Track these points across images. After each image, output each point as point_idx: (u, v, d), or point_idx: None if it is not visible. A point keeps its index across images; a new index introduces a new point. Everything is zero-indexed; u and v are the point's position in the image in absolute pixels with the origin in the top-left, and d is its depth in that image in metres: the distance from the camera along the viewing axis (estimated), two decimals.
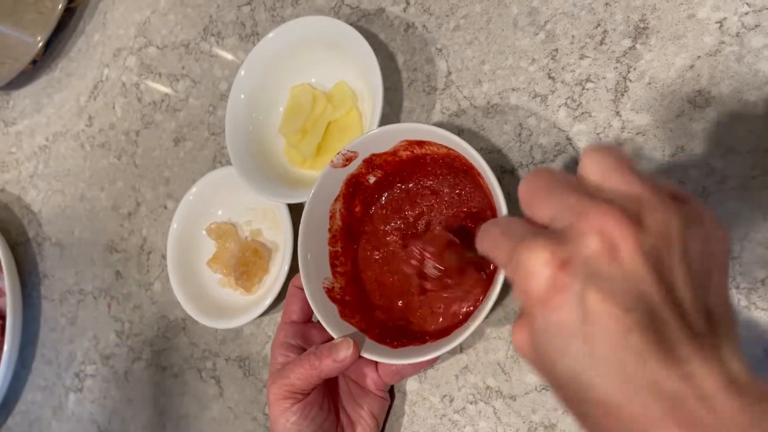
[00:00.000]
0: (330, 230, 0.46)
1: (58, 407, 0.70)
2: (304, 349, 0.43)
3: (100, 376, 0.67)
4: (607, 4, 0.43)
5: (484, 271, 0.41)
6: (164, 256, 0.62)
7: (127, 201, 0.68)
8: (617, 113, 0.42)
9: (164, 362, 0.62)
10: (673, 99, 0.40)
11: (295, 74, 0.55)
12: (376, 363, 0.44)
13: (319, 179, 0.43)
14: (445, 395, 0.45)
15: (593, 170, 0.25)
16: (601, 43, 0.43)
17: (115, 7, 0.75)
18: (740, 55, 0.38)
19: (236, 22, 0.63)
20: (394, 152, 0.44)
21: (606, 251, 0.22)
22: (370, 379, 0.45)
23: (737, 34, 0.38)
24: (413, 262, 0.42)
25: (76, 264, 0.71)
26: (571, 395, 0.23)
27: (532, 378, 0.42)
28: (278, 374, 0.42)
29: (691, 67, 0.39)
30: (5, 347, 0.68)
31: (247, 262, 0.55)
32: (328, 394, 0.44)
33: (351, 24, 0.49)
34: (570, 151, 0.43)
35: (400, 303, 0.45)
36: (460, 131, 0.48)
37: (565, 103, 0.44)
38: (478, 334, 0.45)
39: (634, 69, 0.41)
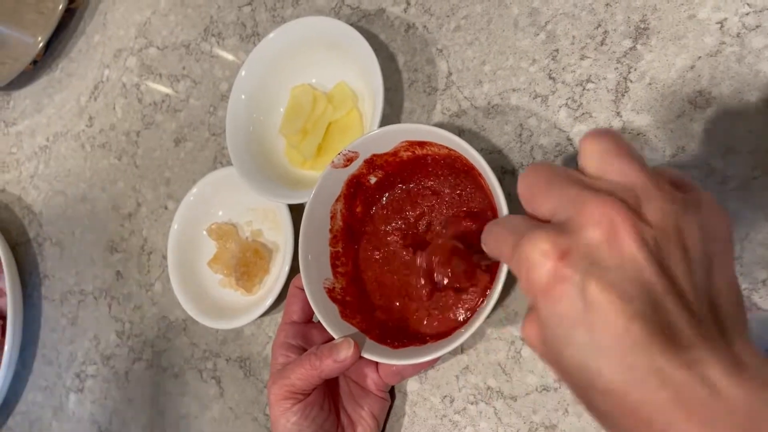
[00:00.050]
0: (331, 231, 0.46)
1: (58, 407, 0.70)
2: (305, 350, 0.43)
3: (100, 376, 0.67)
4: (607, 4, 0.43)
5: (491, 270, 0.41)
6: (165, 257, 0.62)
7: (127, 201, 0.68)
8: (618, 114, 0.42)
9: (165, 362, 0.62)
10: (673, 99, 0.40)
11: (295, 75, 0.55)
12: (377, 363, 0.44)
13: (319, 180, 0.43)
14: (445, 396, 0.45)
15: (592, 158, 0.25)
16: (602, 43, 0.43)
17: (115, 8, 0.75)
18: (741, 56, 0.38)
19: (237, 22, 0.63)
20: (395, 153, 0.44)
21: (605, 241, 0.22)
22: (371, 379, 0.45)
23: (738, 35, 0.38)
24: (423, 274, 0.43)
25: (76, 264, 0.71)
26: (578, 384, 0.24)
27: (532, 379, 0.42)
28: (279, 374, 0.42)
29: (692, 67, 0.39)
30: (6, 347, 0.68)
31: (247, 262, 0.55)
32: (329, 394, 0.44)
33: (351, 24, 0.49)
34: (571, 152, 0.43)
35: (398, 303, 0.45)
36: (460, 132, 0.48)
37: (566, 104, 0.44)
38: (479, 334, 0.45)
39: (635, 69, 0.41)
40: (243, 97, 0.54)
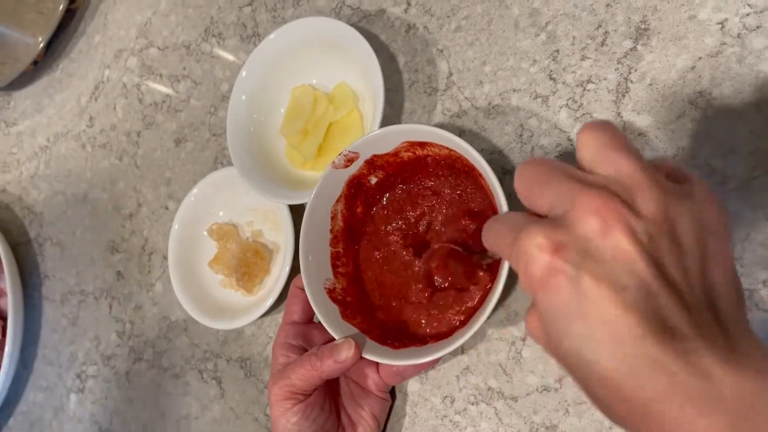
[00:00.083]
0: (331, 231, 0.46)
1: (59, 408, 0.70)
2: (306, 350, 0.43)
3: (101, 376, 0.67)
4: (608, 5, 0.43)
5: (492, 270, 0.41)
6: (165, 257, 0.62)
7: (128, 202, 0.68)
8: (618, 114, 0.42)
9: (165, 363, 0.62)
10: (674, 100, 0.40)
11: (296, 75, 0.55)
12: (377, 364, 0.44)
13: (320, 180, 0.44)
14: (446, 396, 0.45)
15: (588, 151, 0.26)
16: (602, 44, 0.43)
17: (116, 8, 0.75)
18: (741, 56, 0.38)
19: (237, 23, 0.63)
20: (395, 153, 0.44)
21: (599, 235, 0.23)
22: (371, 380, 0.45)
23: (738, 35, 0.38)
24: (422, 278, 0.43)
25: (77, 264, 0.71)
26: (577, 373, 0.24)
27: (533, 379, 0.42)
28: (279, 375, 0.42)
29: (693, 68, 0.39)
30: (6, 348, 0.68)
31: (248, 262, 0.55)
32: (329, 394, 0.44)
33: (352, 25, 0.49)
34: (571, 152, 0.43)
35: (398, 304, 0.45)
36: (461, 132, 0.48)
37: (566, 104, 0.44)
38: (480, 335, 0.45)
39: (636, 70, 0.41)
40: (244, 97, 0.54)
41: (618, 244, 0.23)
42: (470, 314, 0.41)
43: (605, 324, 0.22)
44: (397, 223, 0.46)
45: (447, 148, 0.41)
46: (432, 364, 0.46)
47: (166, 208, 0.65)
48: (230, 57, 0.63)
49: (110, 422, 0.65)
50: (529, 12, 0.46)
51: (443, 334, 0.41)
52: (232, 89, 0.54)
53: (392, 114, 0.52)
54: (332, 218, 0.45)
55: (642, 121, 0.41)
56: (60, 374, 0.70)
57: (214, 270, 0.57)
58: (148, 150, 0.68)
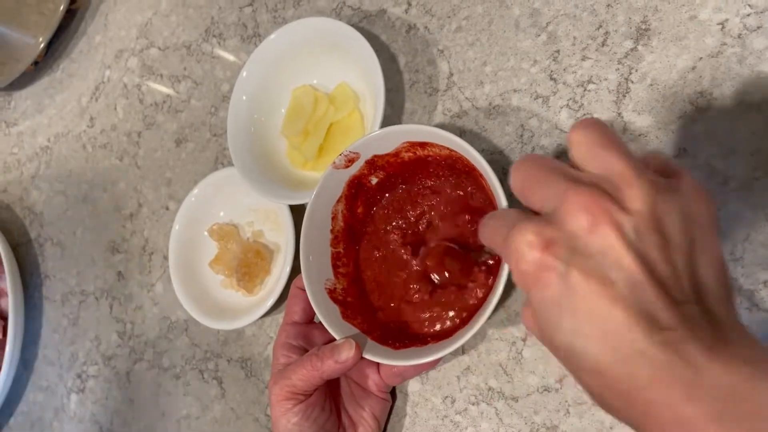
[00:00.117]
0: (332, 231, 0.46)
1: (60, 408, 0.70)
2: (306, 350, 0.43)
3: (101, 376, 0.67)
4: (608, 5, 0.43)
5: (488, 265, 0.41)
6: (166, 257, 0.62)
7: (128, 202, 0.68)
8: (619, 114, 0.42)
9: (166, 363, 0.62)
10: (674, 100, 0.40)
11: (296, 76, 0.55)
12: (378, 364, 0.44)
13: (321, 180, 0.44)
14: (446, 396, 0.45)
15: (579, 150, 0.26)
16: (603, 44, 0.43)
17: (116, 9, 0.75)
18: (742, 57, 0.38)
19: (238, 23, 0.63)
20: (396, 154, 0.44)
21: (587, 231, 0.24)
22: (372, 380, 0.45)
23: (739, 36, 0.38)
24: (420, 277, 0.44)
25: (77, 265, 0.71)
26: (570, 364, 0.25)
27: (534, 379, 0.42)
28: (280, 375, 0.42)
29: (693, 68, 0.39)
30: (7, 348, 0.68)
31: (249, 263, 0.55)
32: (330, 395, 0.44)
33: (352, 25, 0.49)
34: None
35: (398, 304, 0.45)
36: (461, 132, 0.48)
37: (567, 105, 0.44)
38: (480, 335, 0.45)
39: (636, 70, 0.41)
40: (244, 98, 0.54)
41: (606, 239, 0.23)
42: (471, 314, 0.41)
43: (594, 318, 0.23)
44: (397, 223, 0.46)
45: (448, 149, 0.41)
46: (433, 365, 0.46)
47: (167, 209, 0.65)
48: (231, 57, 0.63)
49: (111, 422, 0.65)
50: (529, 12, 0.46)
51: (444, 335, 0.41)
52: (233, 89, 0.54)
53: (393, 114, 0.52)
54: (333, 218, 0.45)
55: (643, 121, 0.41)
56: (61, 374, 0.70)
57: (214, 270, 0.57)
58: (148, 150, 0.68)
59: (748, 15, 0.38)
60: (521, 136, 0.45)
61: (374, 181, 0.46)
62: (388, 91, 0.48)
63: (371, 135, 0.43)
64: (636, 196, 0.24)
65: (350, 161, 0.44)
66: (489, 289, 0.41)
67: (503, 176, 0.46)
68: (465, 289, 0.42)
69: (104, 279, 0.69)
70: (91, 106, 0.74)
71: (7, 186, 0.81)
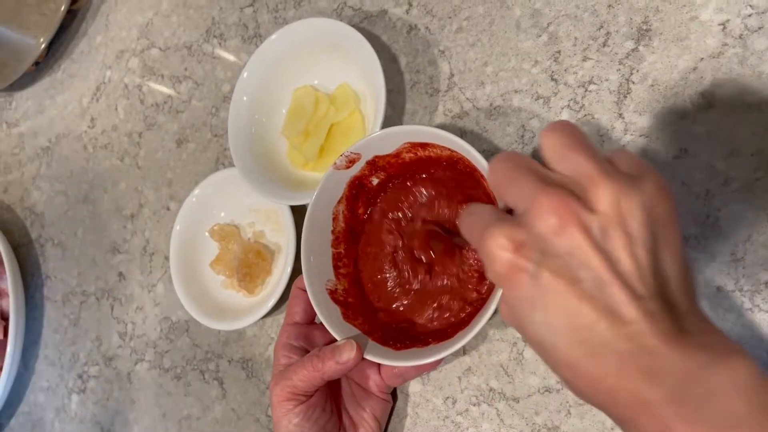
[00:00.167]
0: (333, 232, 0.46)
1: (61, 408, 0.70)
2: (307, 351, 0.43)
3: (102, 377, 0.67)
4: (609, 6, 0.43)
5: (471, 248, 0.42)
6: (167, 258, 0.62)
7: (129, 202, 0.68)
8: (620, 115, 0.42)
9: (167, 364, 0.62)
10: (676, 101, 0.40)
11: (297, 76, 0.55)
12: (379, 365, 0.44)
13: (321, 181, 0.44)
14: (447, 397, 0.45)
15: (549, 152, 0.28)
16: (604, 45, 0.43)
17: (117, 9, 0.75)
18: (743, 57, 0.38)
19: (239, 23, 0.63)
20: (397, 154, 0.44)
21: (555, 233, 0.25)
22: (373, 381, 0.45)
23: (740, 36, 0.38)
24: (411, 261, 0.44)
25: (78, 265, 0.71)
26: (543, 355, 0.28)
27: (535, 380, 0.42)
28: (281, 376, 0.42)
29: (694, 69, 0.39)
30: (8, 348, 0.68)
31: (249, 263, 0.55)
32: (331, 395, 0.44)
33: (353, 26, 0.49)
34: None
35: (396, 297, 0.45)
36: (462, 133, 0.48)
37: (568, 105, 0.44)
38: (481, 336, 0.45)
39: (637, 71, 0.41)
40: (245, 98, 0.54)
41: (573, 241, 0.25)
42: (472, 316, 0.41)
43: (563, 314, 0.25)
44: (394, 215, 0.46)
45: (449, 149, 0.41)
46: (434, 366, 0.46)
47: (168, 209, 0.65)
48: (232, 58, 0.63)
49: (112, 423, 0.65)
50: (530, 13, 0.46)
51: (445, 336, 0.41)
52: (234, 90, 0.54)
53: (394, 115, 0.52)
54: (334, 219, 0.45)
55: (644, 122, 0.41)
56: (61, 375, 0.70)
57: (215, 271, 0.57)
58: (149, 151, 0.68)
59: (750, 15, 0.38)
60: (522, 136, 0.45)
61: (375, 181, 0.46)
62: (389, 91, 0.48)
63: (372, 136, 0.43)
64: (601, 196, 0.25)
65: (351, 162, 0.44)
66: (490, 290, 0.41)
67: None
68: (464, 288, 0.42)
69: (105, 279, 0.69)
70: (92, 106, 0.74)
71: (8, 186, 0.81)
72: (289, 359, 0.43)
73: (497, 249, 0.26)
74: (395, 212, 0.46)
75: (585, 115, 0.43)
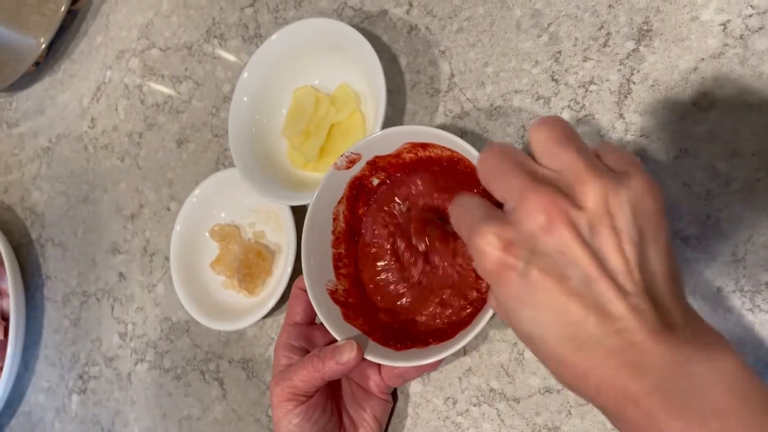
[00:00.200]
0: (333, 232, 0.46)
1: (61, 408, 0.70)
2: (308, 351, 0.43)
3: (103, 377, 0.67)
4: (610, 6, 0.43)
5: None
6: (167, 258, 0.62)
7: (130, 203, 0.68)
8: (621, 115, 0.42)
9: (167, 364, 0.62)
10: (676, 101, 0.40)
11: (298, 76, 0.55)
12: (379, 365, 0.44)
13: (322, 181, 0.43)
14: (448, 397, 0.45)
15: (537, 147, 0.28)
16: (605, 45, 0.43)
17: (117, 9, 0.75)
18: (744, 58, 0.38)
19: (239, 24, 0.63)
20: (397, 154, 0.44)
21: (544, 231, 0.26)
22: (373, 381, 0.44)
23: (741, 37, 0.38)
24: (400, 248, 0.44)
25: (78, 265, 0.71)
26: (532, 350, 0.28)
27: (535, 380, 0.42)
28: (281, 376, 0.42)
29: (695, 69, 0.39)
30: (9, 349, 0.68)
31: (250, 264, 0.55)
32: (331, 396, 0.44)
33: (354, 26, 0.49)
34: None
35: (395, 291, 0.45)
36: (463, 133, 0.48)
37: (569, 105, 0.44)
38: (482, 336, 0.45)
39: (638, 71, 0.41)
40: (245, 98, 0.54)
41: (562, 239, 0.25)
42: (472, 316, 0.41)
43: (552, 310, 0.26)
44: (391, 206, 0.46)
45: (449, 150, 0.41)
46: (434, 366, 0.45)
47: (168, 209, 0.65)
48: (232, 58, 0.63)
49: (112, 423, 0.65)
50: (531, 13, 0.46)
51: (445, 336, 0.41)
52: (234, 90, 0.54)
53: (394, 115, 0.52)
54: (334, 219, 0.45)
55: (644, 122, 0.41)
56: (62, 375, 0.70)
57: (216, 271, 0.57)
58: (149, 151, 0.68)
59: (750, 16, 0.38)
60: (523, 137, 0.45)
61: (376, 182, 0.46)
62: (390, 91, 0.48)
63: (372, 136, 0.43)
64: (589, 193, 0.26)
65: (351, 162, 0.44)
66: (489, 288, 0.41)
67: None
68: (464, 282, 0.42)
69: (105, 280, 0.69)
70: (93, 106, 0.74)
71: (8, 187, 0.81)
72: (290, 359, 0.43)
73: (486, 246, 0.27)
74: (391, 205, 0.46)
75: (586, 115, 0.43)
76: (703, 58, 0.39)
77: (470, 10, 0.49)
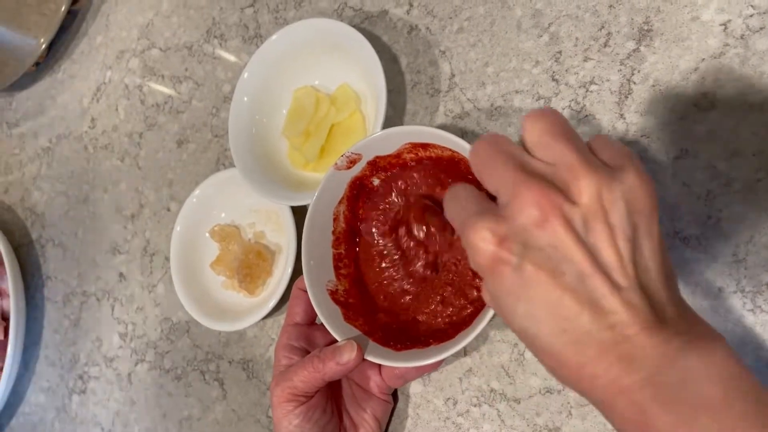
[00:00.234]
0: (333, 233, 0.46)
1: (61, 409, 0.70)
2: (308, 352, 0.43)
3: (103, 378, 0.67)
4: (611, 6, 0.43)
5: None
6: (167, 258, 0.62)
7: (130, 203, 0.68)
8: (621, 116, 0.41)
9: (167, 364, 0.62)
10: (677, 101, 0.40)
11: (298, 76, 0.55)
12: (380, 366, 0.44)
13: (322, 182, 0.43)
14: (448, 398, 0.45)
15: (531, 138, 0.28)
16: (605, 45, 0.43)
17: (117, 9, 0.75)
18: (745, 58, 0.38)
19: (239, 24, 0.63)
20: (398, 155, 0.44)
21: (537, 226, 0.25)
22: (374, 382, 0.44)
23: (742, 37, 0.38)
24: (401, 235, 0.44)
25: (79, 266, 0.71)
26: (526, 344, 0.28)
27: (536, 381, 0.42)
28: (281, 377, 0.42)
29: (696, 69, 0.39)
30: (9, 349, 0.68)
31: (250, 264, 0.55)
32: (332, 396, 0.44)
33: (354, 26, 0.49)
34: None
35: (399, 286, 0.45)
36: (463, 133, 0.48)
37: (569, 106, 0.44)
38: (482, 337, 0.45)
39: (638, 71, 0.41)
40: (246, 99, 0.54)
41: (556, 234, 0.25)
42: (473, 317, 0.41)
43: (546, 305, 0.26)
44: (391, 197, 0.46)
45: (450, 150, 0.41)
46: (435, 367, 0.45)
47: (168, 210, 0.65)
48: (232, 58, 0.63)
49: (112, 423, 0.65)
50: (531, 13, 0.46)
51: (446, 336, 0.41)
52: (234, 90, 0.54)
53: (394, 115, 0.52)
54: (334, 220, 0.45)
55: (645, 122, 0.41)
56: (62, 375, 0.70)
57: (216, 271, 0.57)
58: (150, 151, 0.68)
59: (751, 16, 0.38)
60: None
61: (376, 182, 0.46)
62: (390, 92, 0.48)
63: (373, 136, 0.42)
64: (583, 188, 0.26)
65: (352, 162, 0.44)
66: None
67: None
68: (464, 280, 0.42)
69: (105, 280, 0.69)
70: (93, 106, 0.74)
71: (8, 187, 0.81)
72: (290, 360, 0.43)
73: (480, 241, 0.26)
74: (390, 199, 0.46)
75: (586, 115, 0.43)
76: (703, 58, 0.39)
77: (471, 10, 0.49)
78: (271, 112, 0.56)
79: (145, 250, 0.66)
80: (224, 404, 0.57)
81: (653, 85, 0.41)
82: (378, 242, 0.46)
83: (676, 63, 0.40)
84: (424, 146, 0.42)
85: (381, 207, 0.46)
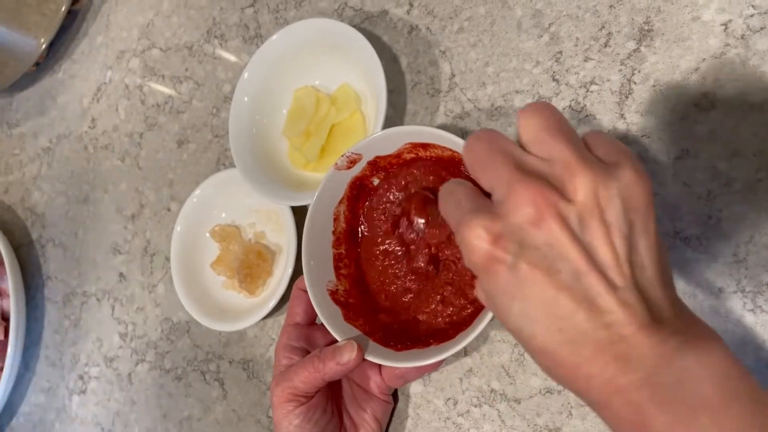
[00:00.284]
0: (334, 233, 0.45)
1: (61, 409, 0.70)
2: (308, 352, 0.43)
3: (103, 378, 0.67)
4: (611, 6, 0.43)
5: None
6: (168, 258, 0.62)
7: (130, 203, 0.68)
8: (622, 116, 0.41)
9: (168, 364, 0.62)
10: (677, 101, 0.40)
11: (298, 76, 0.55)
12: (380, 366, 0.44)
13: (323, 182, 0.43)
14: (449, 398, 0.45)
15: (527, 133, 0.28)
16: (606, 45, 0.43)
17: (118, 10, 0.75)
18: (745, 58, 0.38)
19: (240, 24, 0.63)
20: (398, 155, 0.44)
21: (533, 224, 0.25)
22: (374, 382, 0.44)
23: (742, 37, 0.38)
24: (403, 228, 0.44)
25: (79, 266, 0.71)
26: (521, 343, 0.28)
27: (536, 381, 0.42)
28: (282, 377, 0.42)
29: (696, 69, 0.39)
30: (9, 349, 0.68)
31: (250, 264, 0.54)
32: (332, 397, 0.44)
33: (354, 26, 0.49)
34: None
35: (406, 299, 0.45)
36: (463, 134, 0.48)
37: (570, 106, 0.44)
38: (483, 337, 0.45)
39: (639, 71, 0.41)
40: (246, 99, 0.54)
41: (551, 232, 0.25)
42: (473, 317, 0.41)
43: (541, 304, 0.25)
44: (393, 192, 0.46)
45: (450, 150, 0.41)
46: (435, 367, 0.45)
47: (169, 210, 0.65)
48: (232, 58, 0.63)
49: (112, 424, 0.65)
50: (532, 13, 0.46)
51: (446, 336, 0.41)
52: (235, 90, 0.54)
53: (395, 115, 0.52)
54: (335, 220, 0.45)
55: (645, 122, 0.41)
56: (62, 375, 0.70)
57: (216, 271, 0.57)
58: (150, 151, 0.68)
59: (752, 16, 0.38)
60: None
61: (376, 182, 0.46)
62: (390, 92, 0.48)
63: (374, 136, 0.42)
64: (579, 185, 0.25)
65: (352, 162, 0.44)
66: None
67: None
68: (463, 279, 0.42)
69: (106, 280, 0.69)
70: (93, 107, 0.74)
71: (8, 187, 0.81)
72: (290, 360, 0.43)
73: (474, 239, 0.26)
74: (390, 195, 0.46)
75: (587, 115, 0.43)
76: (704, 58, 0.39)
77: (471, 10, 0.49)
78: (272, 112, 0.56)
79: (146, 251, 0.66)
80: (224, 404, 0.57)
81: (654, 85, 0.41)
82: (380, 239, 0.46)
83: (676, 63, 0.40)
84: (425, 146, 0.42)
85: (382, 206, 0.46)
